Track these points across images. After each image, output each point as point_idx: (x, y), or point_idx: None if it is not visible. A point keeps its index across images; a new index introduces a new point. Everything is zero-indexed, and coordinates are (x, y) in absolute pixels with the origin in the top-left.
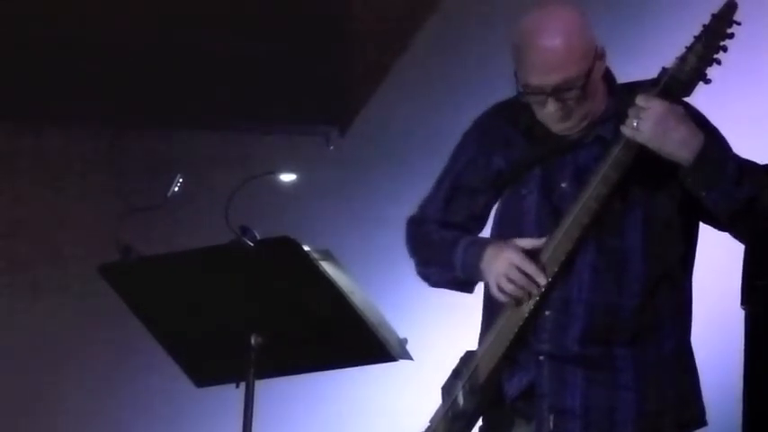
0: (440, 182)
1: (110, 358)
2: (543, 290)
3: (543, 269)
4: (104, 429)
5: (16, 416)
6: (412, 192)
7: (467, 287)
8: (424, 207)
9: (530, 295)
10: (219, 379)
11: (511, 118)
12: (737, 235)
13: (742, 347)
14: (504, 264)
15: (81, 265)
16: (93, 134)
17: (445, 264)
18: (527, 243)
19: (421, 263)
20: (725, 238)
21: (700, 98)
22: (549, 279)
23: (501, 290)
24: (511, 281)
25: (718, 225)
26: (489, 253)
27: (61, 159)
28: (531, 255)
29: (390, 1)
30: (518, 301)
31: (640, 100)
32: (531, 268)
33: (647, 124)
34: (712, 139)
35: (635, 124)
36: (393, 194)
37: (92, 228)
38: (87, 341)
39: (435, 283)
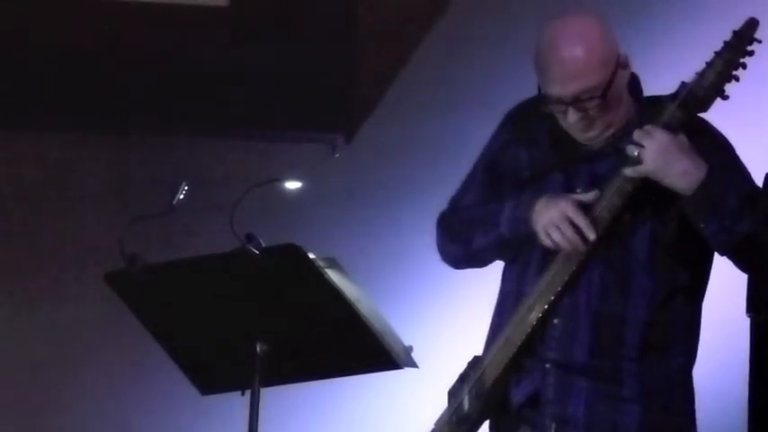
0: (473, 170)
1: (114, 365)
2: (591, 245)
3: (595, 224)
4: None
5: (21, 420)
6: (418, 199)
7: (506, 251)
8: (456, 198)
9: (577, 249)
10: (225, 386)
11: (540, 116)
12: (737, 265)
13: (747, 355)
14: (557, 212)
15: (85, 271)
16: (97, 140)
17: (489, 226)
18: (581, 197)
19: (459, 244)
20: None
21: (719, 105)
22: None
23: (548, 236)
24: (560, 230)
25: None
26: (542, 203)
27: (66, 166)
28: (585, 209)
29: (396, 8)
30: (567, 256)
31: (638, 134)
32: (582, 222)
33: (649, 156)
34: (719, 169)
35: (636, 153)
36: (399, 202)
37: (96, 234)
38: (91, 348)
39: (475, 256)
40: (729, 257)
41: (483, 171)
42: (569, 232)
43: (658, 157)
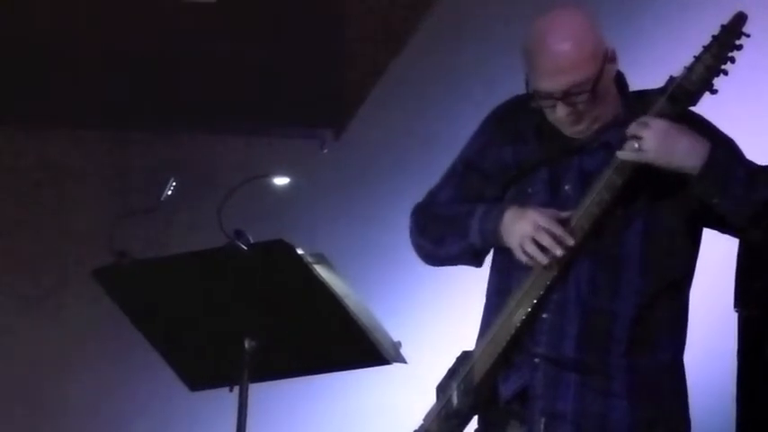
0: (452, 166)
1: (105, 361)
2: (571, 250)
3: (571, 232)
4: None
5: (16, 416)
6: (407, 194)
7: (478, 258)
8: (433, 193)
9: (555, 258)
10: (213, 382)
11: (527, 112)
12: (750, 239)
13: (735, 349)
14: (529, 225)
15: (81, 266)
16: (93, 136)
17: (459, 233)
18: (549, 212)
19: (430, 242)
20: (718, 240)
21: (708, 100)
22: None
23: (524, 251)
24: (536, 242)
25: (736, 233)
26: (510, 215)
27: (57, 164)
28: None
29: (385, 3)
30: (546, 266)
31: (634, 127)
32: (558, 229)
33: (651, 143)
34: (721, 145)
35: (636, 146)
36: (388, 197)
37: (92, 230)
38: (82, 346)
39: (445, 259)
40: (746, 233)
41: (462, 169)
42: (546, 240)
43: (660, 142)
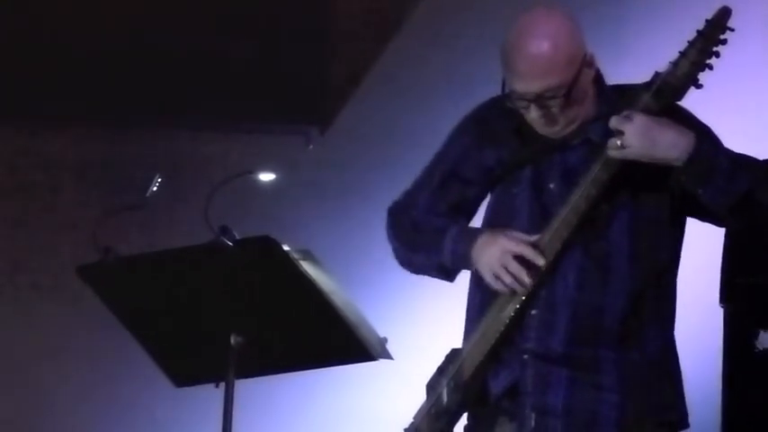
0: (430, 169)
1: (91, 358)
2: (542, 269)
3: (542, 252)
4: (85, 429)
5: (10, 414)
6: (392, 191)
7: (449, 275)
8: (411, 194)
9: (524, 284)
10: (199, 379)
11: (505, 114)
12: (733, 227)
13: (721, 344)
14: (499, 251)
15: (73, 265)
16: (87, 134)
17: (432, 249)
18: (520, 236)
19: (405, 248)
20: (704, 236)
21: (694, 94)
22: (544, 267)
23: (496, 278)
24: (506, 268)
25: (719, 222)
26: (482, 241)
27: (60, 160)
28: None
29: (371, 0)
30: (513, 291)
31: (616, 120)
32: (527, 251)
33: (633, 139)
34: (703, 136)
35: (619, 143)
36: (373, 194)
37: (88, 228)
38: (71, 340)
39: (418, 269)
40: (728, 223)
41: (441, 177)
42: (514, 267)
43: (642, 136)
